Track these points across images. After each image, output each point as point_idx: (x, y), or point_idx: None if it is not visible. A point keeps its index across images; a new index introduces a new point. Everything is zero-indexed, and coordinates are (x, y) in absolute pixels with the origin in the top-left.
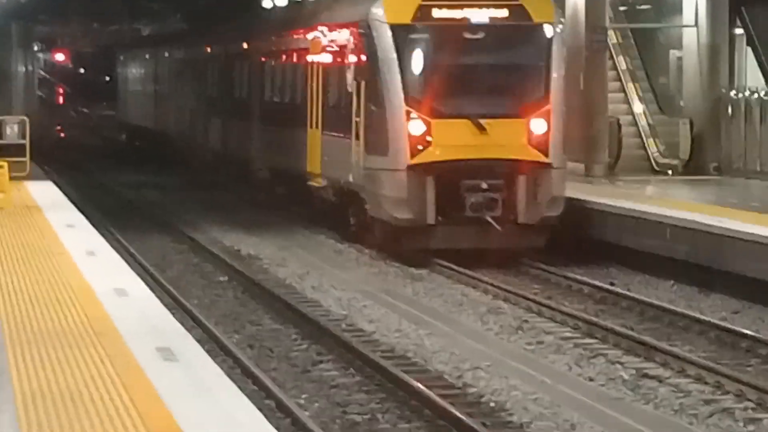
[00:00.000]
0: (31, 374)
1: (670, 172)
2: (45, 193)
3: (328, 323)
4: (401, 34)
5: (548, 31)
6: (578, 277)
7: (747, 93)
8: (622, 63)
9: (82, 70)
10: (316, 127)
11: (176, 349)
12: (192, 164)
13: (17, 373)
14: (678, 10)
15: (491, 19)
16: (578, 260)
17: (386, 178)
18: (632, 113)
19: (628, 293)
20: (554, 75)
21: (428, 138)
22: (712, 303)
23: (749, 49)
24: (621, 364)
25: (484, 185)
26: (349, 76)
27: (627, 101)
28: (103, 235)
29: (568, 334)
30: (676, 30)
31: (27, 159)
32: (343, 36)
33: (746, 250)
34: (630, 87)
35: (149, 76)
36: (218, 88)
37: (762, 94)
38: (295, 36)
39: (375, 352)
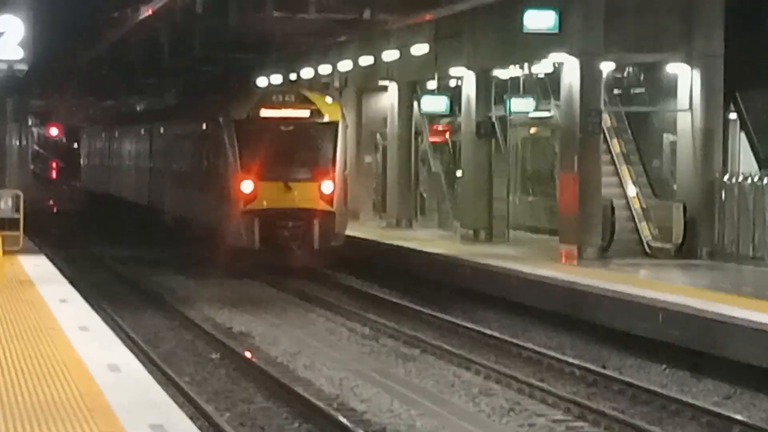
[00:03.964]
0: None
1: (662, 255)
2: (38, 267)
3: (319, 402)
4: (240, 125)
5: (335, 126)
6: (570, 359)
7: (740, 178)
8: (616, 146)
9: (75, 145)
10: (198, 187)
11: (169, 425)
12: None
13: None
14: (672, 94)
15: (297, 117)
16: (570, 342)
17: (229, 219)
18: (626, 196)
19: (620, 376)
20: (338, 154)
21: (255, 193)
22: (704, 387)
23: (743, 134)
24: None
25: (290, 224)
26: (211, 152)
27: (620, 184)
28: (95, 310)
29: (560, 417)
30: (671, 114)
31: (20, 233)
32: (209, 125)
33: (738, 335)
34: (624, 170)
35: (104, 149)
36: (150, 159)
37: (755, 179)
38: (191, 122)
39: None
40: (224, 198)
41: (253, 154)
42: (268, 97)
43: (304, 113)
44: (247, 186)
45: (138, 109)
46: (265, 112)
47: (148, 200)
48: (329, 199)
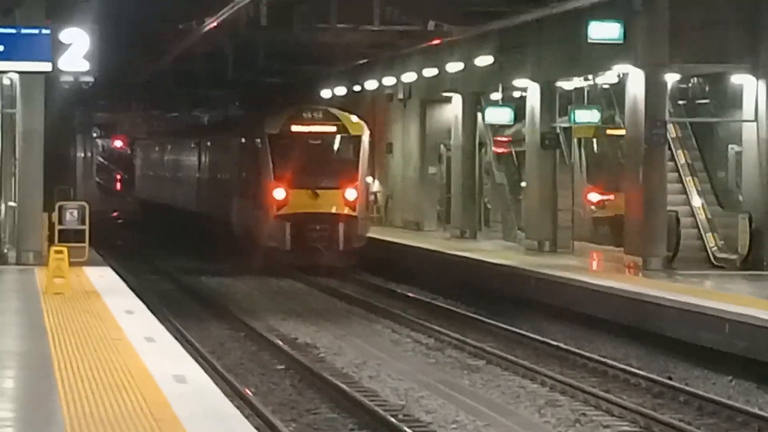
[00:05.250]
0: None
1: (728, 266)
2: (103, 278)
3: (385, 413)
4: (273, 139)
5: (358, 139)
6: (636, 370)
7: None
8: (681, 157)
9: None
10: (237, 194)
11: None
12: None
13: None
14: (738, 104)
15: (325, 132)
16: (635, 353)
17: (262, 222)
18: (691, 207)
19: (686, 387)
20: (361, 163)
21: (287, 200)
22: None
23: None
24: None
25: (318, 227)
26: (248, 162)
27: (685, 195)
28: (160, 321)
29: (626, 428)
30: (736, 124)
31: (86, 244)
32: (247, 139)
33: None
34: (689, 181)
35: (158, 161)
36: (198, 169)
37: None
38: (232, 136)
39: None
40: (259, 204)
41: (285, 165)
42: (299, 113)
43: (331, 128)
44: (279, 193)
45: (188, 122)
46: (295, 127)
47: (196, 208)
48: (353, 205)
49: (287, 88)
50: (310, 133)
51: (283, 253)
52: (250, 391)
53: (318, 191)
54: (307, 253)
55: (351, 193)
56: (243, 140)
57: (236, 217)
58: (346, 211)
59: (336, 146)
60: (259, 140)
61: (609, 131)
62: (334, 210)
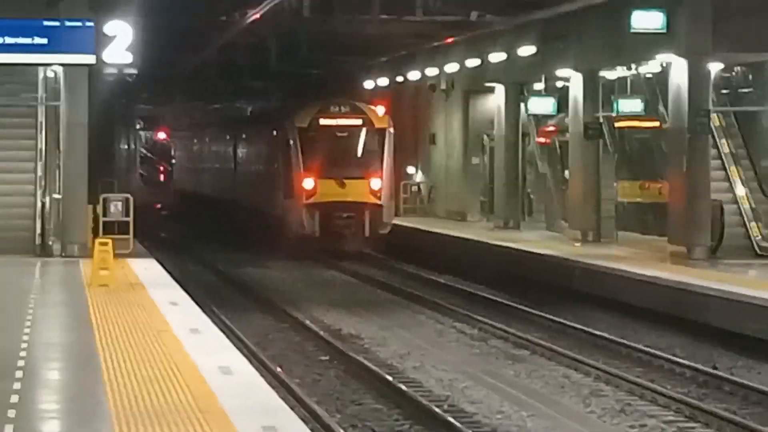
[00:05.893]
0: None
1: None
2: (148, 270)
3: (430, 404)
4: (302, 132)
5: (383, 131)
6: (680, 360)
7: None
8: (724, 146)
9: None
10: (269, 184)
11: (281, 427)
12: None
13: None
14: None
15: (351, 125)
16: (680, 343)
17: (293, 211)
18: (734, 196)
19: (731, 377)
20: (386, 155)
21: (316, 189)
22: None
23: None
24: None
25: (345, 215)
26: (280, 154)
27: (729, 184)
28: (205, 312)
29: (671, 418)
30: None
31: (131, 236)
32: (279, 132)
33: None
34: (732, 170)
35: (198, 152)
36: (234, 161)
37: None
38: (264, 129)
39: None
40: (290, 193)
41: (314, 156)
42: (327, 107)
43: (357, 121)
44: (308, 183)
45: (227, 115)
46: (323, 121)
47: (233, 197)
48: (377, 194)
49: (326, 80)
50: (337, 126)
51: (313, 240)
52: (295, 382)
53: (345, 181)
54: (335, 239)
55: (376, 183)
56: (275, 133)
57: (269, 206)
58: (372, 199)
59: (362, 138)
60: (289, 133)
61: (617, 123)
62: (360, 198)
